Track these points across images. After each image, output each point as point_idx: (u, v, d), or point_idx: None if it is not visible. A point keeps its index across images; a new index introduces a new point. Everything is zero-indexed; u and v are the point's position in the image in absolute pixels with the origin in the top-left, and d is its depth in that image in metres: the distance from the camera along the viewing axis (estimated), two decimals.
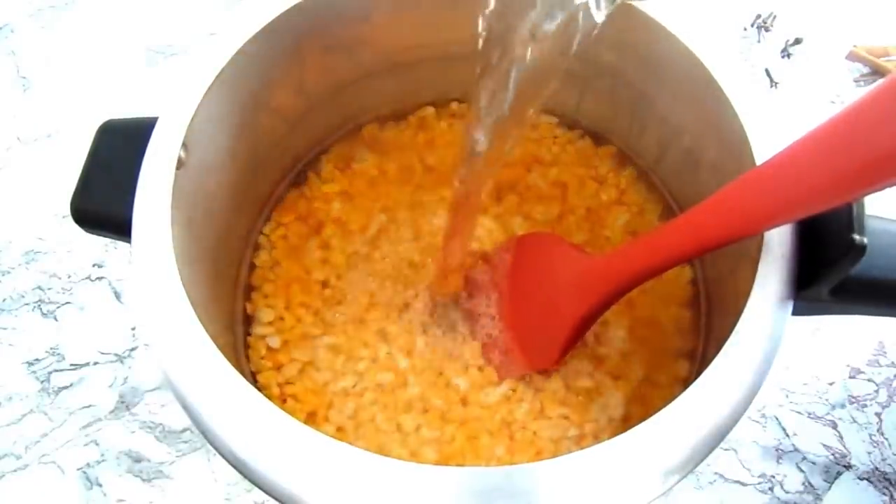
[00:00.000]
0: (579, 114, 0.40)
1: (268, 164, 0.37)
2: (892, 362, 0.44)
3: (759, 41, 0.55)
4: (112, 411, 0.42)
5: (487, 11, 0.24)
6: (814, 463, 0.41)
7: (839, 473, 0.41)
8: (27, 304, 0.45)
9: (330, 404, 0.34)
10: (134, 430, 0.41)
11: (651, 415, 0.23)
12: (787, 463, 0.41)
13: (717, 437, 0.24)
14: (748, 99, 0.29)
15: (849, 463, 0.41)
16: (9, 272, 0.46)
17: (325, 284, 0.37)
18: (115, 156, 0.29)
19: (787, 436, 0.42)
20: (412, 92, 0.40)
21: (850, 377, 0.43)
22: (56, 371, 0.43)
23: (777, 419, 0.42)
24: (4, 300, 0.45)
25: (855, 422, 0.42)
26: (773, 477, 0.40)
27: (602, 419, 0.33)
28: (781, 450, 0.41)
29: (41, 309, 0.45)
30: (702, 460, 0.24)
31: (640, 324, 0.35)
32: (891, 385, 0.43)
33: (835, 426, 0.42)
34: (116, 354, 0.44)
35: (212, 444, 0.24)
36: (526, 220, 0.38)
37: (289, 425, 0.23)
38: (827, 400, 0.43)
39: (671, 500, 0.40)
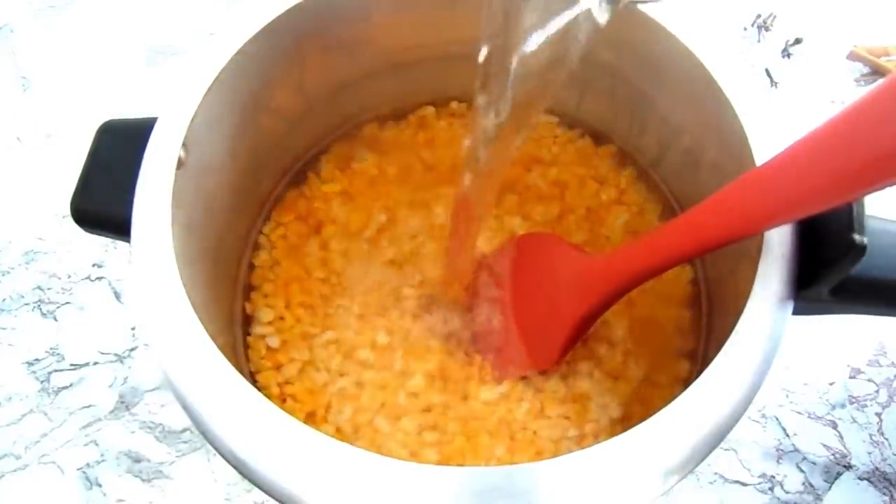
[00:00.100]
0: (579, 113, 0.40)
1: (268, 163, 0.37)
2: (892, 362, 0.44)
3: (759, 41, 0.55)
4: (112, 411, 0.42)
5: (488, 16, 0.24)
6: (814, 463, 0.41)
7: (839, 473, 0.41)
8: (27, 304, 0.45)
9: (329, 404, 0.34)
10: (134, 430, 0.41)
11: (651, 415, 0.23)
12: (787, 463, 0.41)
13: (717, 437, 0.24)
14: (748, 99, 0.29)
15: (849, 463, 0.41)
16: (9, 272, 0.46)
17: (324, 284, 0.36)
18: (115, 156, 0.29)
19: (787, 436, 0.42)
20: (412, 91, 0.40)
21: (850, 377, 0.43)
22: (56, 371, 0.43)
23: (777, 419, 0.42)
24: (4, 300, 0.45)
25: (855, 422, 0.42)
26: (773, 477, 0.40)
27: (602, 419, 0.33)
28: (781, 450, 0.41)
29: (41, 309, 0.45)
30: (702, 460, 0.24)
31: (640, 324, 0.35)
32: (891, 385, 0.43)
33: (835, 426, 0.42)
34: (116, 354, 0.44)
35: (212, 444, 0.24)
36: (526, 219, 0.38)
37: (289, 425, 0.23)
38: (827, 400, 0.43)
39: (671, 500, 0.40)
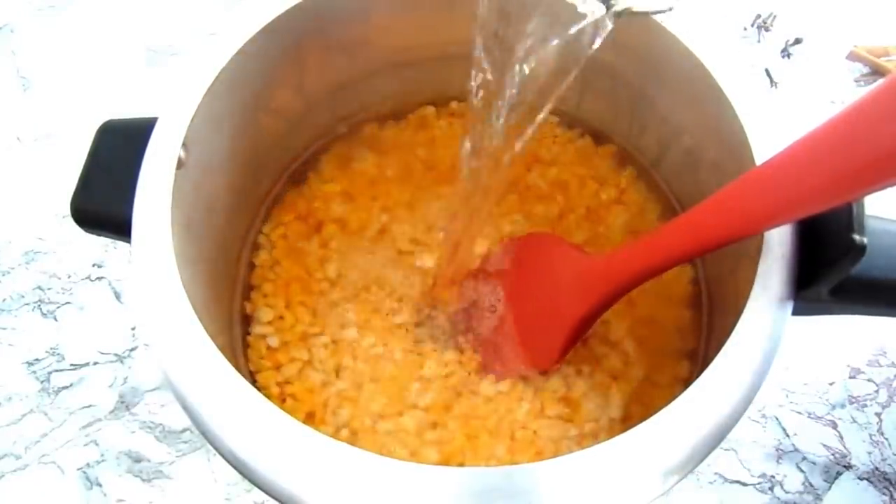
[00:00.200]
0: (579, 113, 0.40)
1: (268, 163, 0.37)
2: (892, 362, 0.44)
3: (759, 41, 0.55)
4: (112, 411, 0.42)
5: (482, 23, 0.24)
6: (814, 463, 0.41)
7: (839, 473, 0.41)
8: (27, 304, 0.45)
9: (329, 404, 0.34)
10: (134, 430, 0.41)
11: (651, 415, 0.23)
12: (787, 463, 0.41)
13: (717, 437, 0.24)
14: (748, 99, 0.29)
15: (849, 463, 0.41)
16: (9, 272, 0.46)
17: (324, 284, 0.36)
18: (115, 156, 0.29)
19: (787, 436, 0.42)
20: (412, 91, 0.40)
21: (850, 377, 0.43)
22: (56, 371, 0.43)
23: (777, 419, 0.42)
24: (4, 300, 0.45)
25: (855, 422, 0.42)
26: (773, 477, 0.40)
27: (602, 419, 0.33)
28: (781, 450, 0.41)
29: (41, 309, 0.45)
30: (702, 460, 0.24)
31: (640, 323, 0.35)
32: (891, 385, 0.43)
33: (835, 426, 0.42)
34: (116, 354, 0.44)
35: (212, 444, 0.24)
36: (526, 219, 0.38)
37: (288, 425, 0.23)
38: (827, 400, 0.43)
39: (671, 500, 0.40)
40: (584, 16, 0.22)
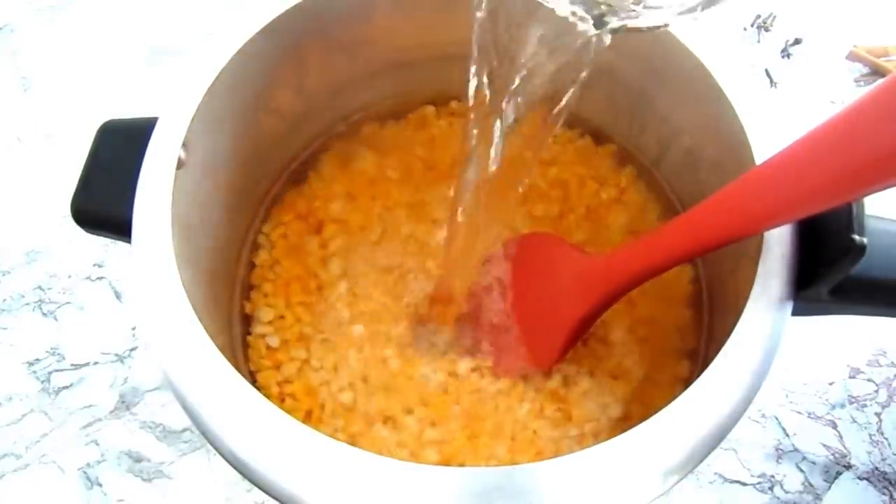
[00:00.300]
0: (579, 113, 0.40)
1: (268, 163, 0.37)
2: (892, 362, 0.44)
3: (758, 41, 0.55)
4: (112, 411, 0.42)
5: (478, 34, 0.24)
6: (814, 463, 0.41)
7: (839, 473, 0.41)
8: (27, 304, 0.45)
9: (328, 404, 0.34)
10: (134, 430, 0.41)
11: (651, 415, 0.23)
12: (787, 463, 0.41)
13: (717, 437, 0.24)
14: (748, 99, 0.29)
15: (849, 463, 0.41)
16: (9, 272, 0.46)
17: (324, 283, 0.36)
18: (115, 156, 0.30)
19: (787, 436, 0.42)
20: (412, 91, 0.40)
21: (850, 377, 0.43)
22: (56, 371, 0.43)
23: (777, 419, 0.42)
24: (4, 300, 0.45)
25: (855, 422, 0.42)
26: (773, 477, 0.40)
27: (602, 419, 0.33)
28: (781, 450, 0.41)
29: (41, 309, 0.45)
30: (702, 460, 0.24)
31: (640, 323, 0.35)
32: (891, 385, 0.43)
33: (835, 426, 0.42)
34: (116, 354, 0.44)
35: (212, 444, 0.24)
36: (526, 218, 0.38)
37: (288, 425, 0.23)
38: (827, 400, 0.43)
39: (671, 500, 0.40)
40: (582, 33, 0.23)
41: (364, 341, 0.35)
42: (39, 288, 0.45)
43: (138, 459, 0.41)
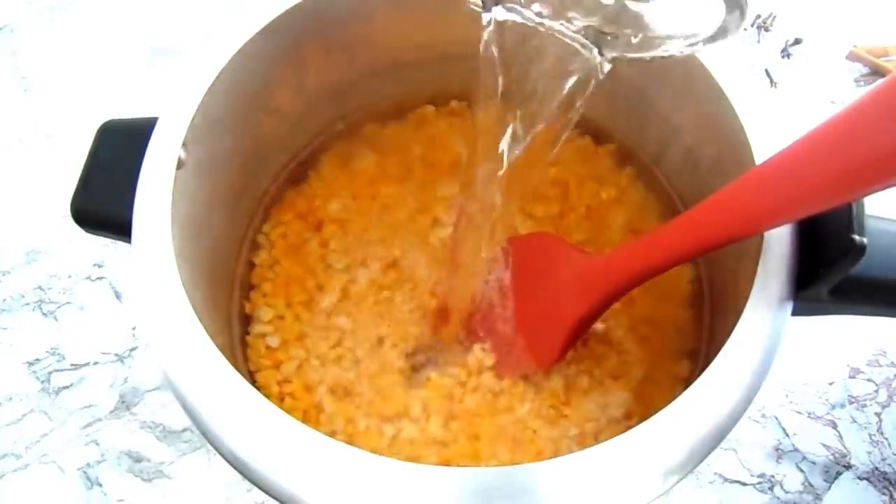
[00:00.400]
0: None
1: (268, 163, 0.37)
2: (892, 362, 0.44)
3: (758, 41, 0.55)
4: (112, 411, 0.42)
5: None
6: (814, 463, 0.41)
7: (839, 473, 0.41)
8: (27, 304, 0.45)
9: (328, 404, 0.34)
10: (134, 430, 0.41)
11: (651, 415, 0.23)
12: (787, 463, 0.41)
13: (717, 437, 0.24)
14: (748, 99, 0.29)
15: (849, 463, 0.41)
16: (9, 272, 0.46)
17: (324, 283, 0.36)
18: (115, 156, 0.30)
19: (787, 436, 0.42)
20: (412, 90, 0.40)
21: (850, 377, 0.43)
22: (56, 371, 0.43)
23: (777, 419, 0.42)
24: (4, 300, 0.45)
25: (855, 422, 0.42)
26: (773, 477, 0.40)
27: (602, 419, 0.33)
28: (781, 450, 0.41)
29: (41, 309, 0.45)
30: (702, 460, 0.24)
31: (640, 323, 0.35)
32: (891, 385, 0.43)
33: (835, 426, 0.42)
34: (116, 354, 0.44)
35: (212, 444, 0.24)
36: (526, 218, 0.38)
37: (288, 425, 0.23)
38: (827, 400, 0.43)
39: (671, 500, 0.40)
40: (587, 60, 0.23)
41: (364, 341, 0.35)
42: (39, 288, 0.45)
43: (138, 459, 0.41)
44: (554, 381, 0.34)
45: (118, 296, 0.45)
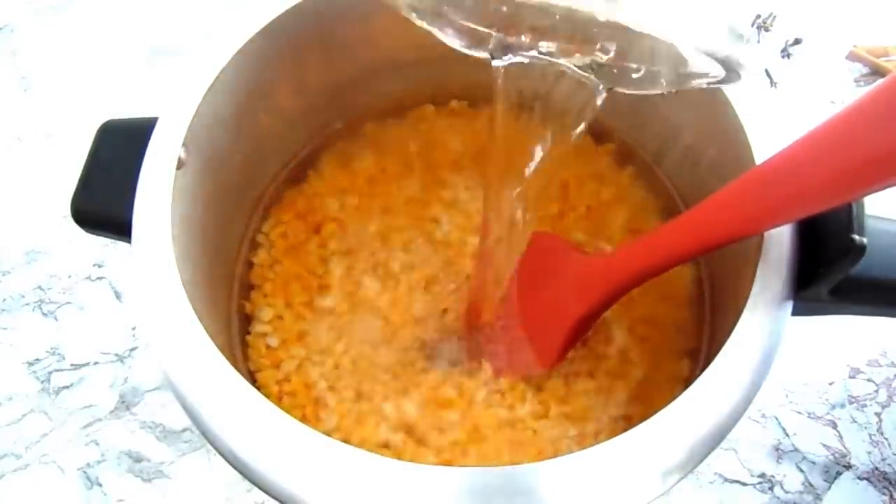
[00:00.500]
0: None
1: (267, 162, 0.37)
2: (892, 362, 0.44)
3: (759, 41, 0.55)
4: (112, 411, 0.42)
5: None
6: (814, 463, 0.41)
7: (839, 473, 0.41)
8: (27, 304, 0.45)
9: (327, 403, 0.34)
10: (134, 430, 0.41)
11: (651, 414, 0.23)
12: (787, 463, 0.41)
13: (718, 437, 0.24)
14: (748, 99, 0.29)
15: (849, 463, 0.41)
16: (9, 272, 0.46)
17: (324, 283, 0.36)
18: (115, 156, 0.30)
19: (787, 436, 0.42)
20: (412, 90, 0.40)
21: (850, 377, 0.43)
22: (56, 371, 0.43)
23: (777, 419, 0.42)
24: (4, 300, 0.45)
25: (855, 422, 0.42)
26: (773, 477, 0.40)
27: (602, 419, 0.33)
28: (781, 450, 0.41)
29: (41, 309, 0.45)
30: (702, 460, 0.24)
31: (640, 323, 0.35)
32: (891, 385, 0.43)
33: (835, 426, 0.42)
34: (116, 354, 0.44)
35: (212, 443, 0.24)
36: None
37: (288, 425, 0.23)
38: (827, 400, 0.43)
39: (671, 500, 0.40)
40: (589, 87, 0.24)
41: (364, 341, 0.35)
42: (39, 288, 0.45)
43: (138, 459, 0.41)
44: (554, 381, 0.34)
45: (118, 296, 0.45)
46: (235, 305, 0.36)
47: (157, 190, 0.27)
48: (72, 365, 0.43)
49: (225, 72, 0.30)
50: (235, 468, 0.24)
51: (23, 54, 0.54)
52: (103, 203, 0.29)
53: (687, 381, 0.33)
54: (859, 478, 0.41)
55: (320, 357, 0.35)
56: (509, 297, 0.35)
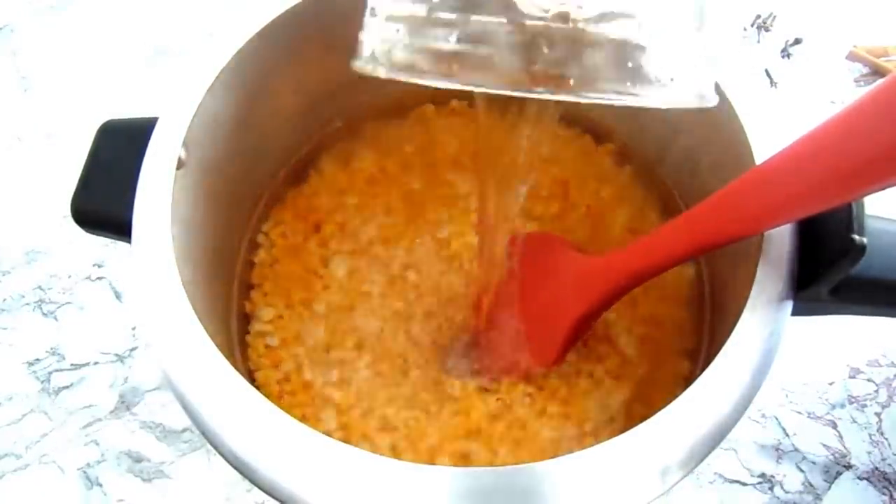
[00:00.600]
0: (579, 112, 0.40)
1: (268, 162, 0.37)
2: (892, 362, 0.44)
3: (758, 41, 0.55)
4: (112, 411, 0.42)
5: None
6: (814, 463, 0.41)
7: (839, 473, 0.41)
8: (27, 304, 0.45)
9: (328, 403, 0.34)
10: (134, 430, 0.41)
11: (651, 414, 0.23)
12: (787, 463, 0.41)
13: (718, 437, 0.24)
14: (748, 99, 0.29)
15: (849, 463, 0.41)
16: (9, 272, 0.46)
17: (324, 283, 0.36)
18: (115, 156, 0.30)
19: (787, 436, 0.42)
20: (412, 89, 0.40)
21: (850, 377, 0.43)
22: (56, 371, 0.43)
23: (777, 419, 0.42)
24: (4, 300, 0.45)
25: (855, 422, 0.42)
26: (773, 477, 0.40)
27: (602, 419, 0.33)
28: (781, 450, 0.41)
29: (41, 309, 0.45)
30: (702, 460, 0.24)
31: (641, 323, 0.35)
32: (891, 385, 0.43)
33: (835, 426, 0.42)
34: (116, 354, 0.44)
35: (212, 443, 0.24)
36: (526, 218, 0.38)
37: (288, 425, 0.23)
38: (827, 400, 0.43)
39: (671, 500, 0.40)
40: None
41: (363, 340, 0.35)
42: (39, 288, 0.45)
43: (138, 459, 0.41)
44: (554, 381, 0.34)
45: (118, 296, 0.45)
46: (235, 305, 0.36)
47: (157, 190, 0.27)
48: (72, 365, 0.43)
49: (225, 72, 0.30)
50: (235, 468, 0.24)
51: (23, 54, 0.54)
52: (103, 203, 0.29)
53: (687, 381, 0.33)
54: (859, 478, 0.41)
55: (320, 357, 0.35)
56: (511, 296, 0.35)
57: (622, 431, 0.23)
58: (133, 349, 0.44)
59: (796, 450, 0.41)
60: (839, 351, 0.44)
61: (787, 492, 0.40)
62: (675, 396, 0.24)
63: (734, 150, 0.29)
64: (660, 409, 0.23)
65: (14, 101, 0.52)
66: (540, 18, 0.20)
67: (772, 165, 0.24)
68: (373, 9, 0.23)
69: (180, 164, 0.28)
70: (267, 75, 0.33)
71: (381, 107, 0.40)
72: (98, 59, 0.54)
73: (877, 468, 0.41)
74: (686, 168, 0.36)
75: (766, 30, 0.55)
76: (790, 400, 0.43)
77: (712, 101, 0.23)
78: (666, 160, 0.38)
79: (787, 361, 0.43)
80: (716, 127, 0.31)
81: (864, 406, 0.43)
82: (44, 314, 0.45)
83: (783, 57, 0.54)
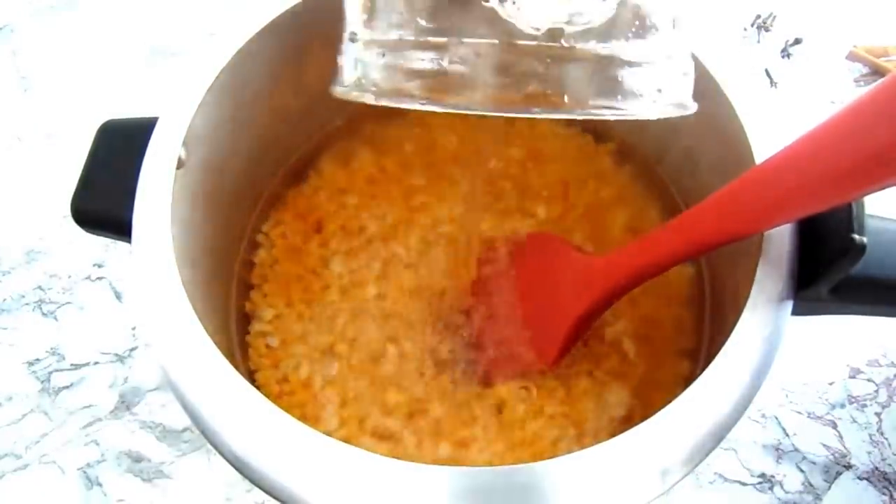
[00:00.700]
0: None
1: (267, 162, 0.37)
2: (892, 362, 0.44)
3: (758, 41, 0.55)
4: (112, 411, 0.42)
5: None
6: (814, 463, 0.41)
7: (839, 473, 0.41)
8: (27, 304, 0.45)
9: (327, 404, 0.34)
10: (134, 430, 0.41)
11: (652, 414, 0.23)
12: (787, 463, 0.41)
13: (718, 437, 0.24)
14: (748, 99, 0.29)
15: (849, 463, 0.41)
16: (9, 272, 0.46)
17: (324, 283, 0.36)
18: (115, 156, 0.30)
19: (787, 436, 0.42)
20: None
21: (850, 377, 0.43)
22: (56, 371, 0.43)
23: (777, 419, 0.42)
24: (4, 300, 0.45)
25: (855, 422, 0.42)
26: (773, 477, 0.40)
27: (602, 419, 0.33)
28: (781, 450, 0.41)
29: (41, 309, 0.45)
30: (702, 460, 0.24)
31: (640, 323, 0.35)
32: (891, 385, 0.43)
33: (835, 426, 0.42)
34: (116, 354, 0.44)
35: (212, 444, 0.24)
36: (527, 218, 0.38)
37: (288, 425, 0.23)
38: (827, 400, 0.43)
39: (671, 500, 0.40)
40: None
41: (363, 340, 0.35)
42: (39, 288, 0.45)
43: (138, 459, 0.41)
44: (553, 382, 0.34)
45: (118, 296, 0.45)
46: (235, 305, 0.36)
47: (157, 190, 0.27)
48: (72, 365, 0.43)
49: (225, 72, 0.30)
50: (235, 468, 0.24)
51: (23, 54, 0.54)
52: (103, 203, 0.29)
53: (687, 381, 0.33)
54: (859, 478, 0.41)
55: (320, 357, 0.35)
56: (511, 297, 0.35)
57: (622, 431, 0.23)
58: (133, 349, 0.44)
59: (796, 450, 0.41)
60: (839, 351, 0.44)
61: (787, 492, 0.40)
62: (675, 396, 0.24)
63: (734, 150, 0.29)
64: (660, 409, 0.23)
65: (14, 101, 0.52)
66: (532, 38, 0.20)
67: (771, 165, 0.24)
68: (353, 34, 0.23)
69: (180, 164, 0.28)
70: (267, 75, 0.33)
71: (381, 106, 0.40)
72: (98, 59, 0.54)
73: (877, 468, 0.41)
74: (686, 168, 0.36)
75: (766, 30, 0.55)
76: (790, 400, 0.43)
77: (691, 108, 0.23)
78: (666, 160, 0.38)
79: (787, 361, 0.43)
80: (716, 127, 0.31)
81: (864, 406, 0.43)
82: (44, 314, 0.45)
83: (783, 57, 0.54)
